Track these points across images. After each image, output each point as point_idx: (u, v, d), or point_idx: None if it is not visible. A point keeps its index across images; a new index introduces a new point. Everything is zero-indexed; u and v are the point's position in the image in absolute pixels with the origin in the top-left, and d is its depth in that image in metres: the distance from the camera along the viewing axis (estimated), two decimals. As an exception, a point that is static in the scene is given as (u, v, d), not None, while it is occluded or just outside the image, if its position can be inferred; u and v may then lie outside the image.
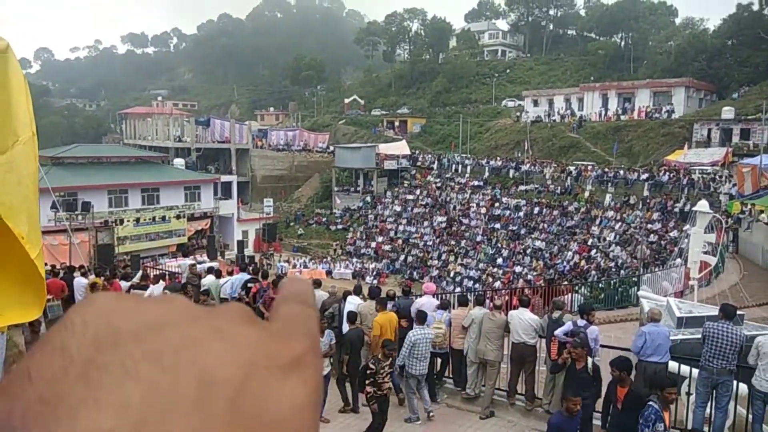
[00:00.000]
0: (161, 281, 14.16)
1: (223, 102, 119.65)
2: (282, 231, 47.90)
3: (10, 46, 2.25)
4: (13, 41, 2.43)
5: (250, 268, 14.49)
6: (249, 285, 12.27)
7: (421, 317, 8.86)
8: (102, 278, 14.34)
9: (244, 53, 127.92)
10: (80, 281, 13.59)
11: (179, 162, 44.45)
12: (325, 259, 41.03)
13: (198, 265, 18.54)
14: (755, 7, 49.63)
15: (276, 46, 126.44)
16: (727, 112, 40.03)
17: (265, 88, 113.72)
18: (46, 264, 9.99)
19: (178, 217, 38.34)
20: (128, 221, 35.36)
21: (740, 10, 50.81)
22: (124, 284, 13.80)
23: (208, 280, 13.38)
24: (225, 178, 44.95)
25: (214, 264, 19.13)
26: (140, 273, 17.04)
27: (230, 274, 13.56)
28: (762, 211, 24.49)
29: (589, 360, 7.03)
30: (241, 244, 41.58)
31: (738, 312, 9.27)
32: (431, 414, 8.61)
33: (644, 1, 73.03)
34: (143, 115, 60.64)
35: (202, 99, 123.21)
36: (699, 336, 7.70)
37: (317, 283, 11.63)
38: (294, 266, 39.18)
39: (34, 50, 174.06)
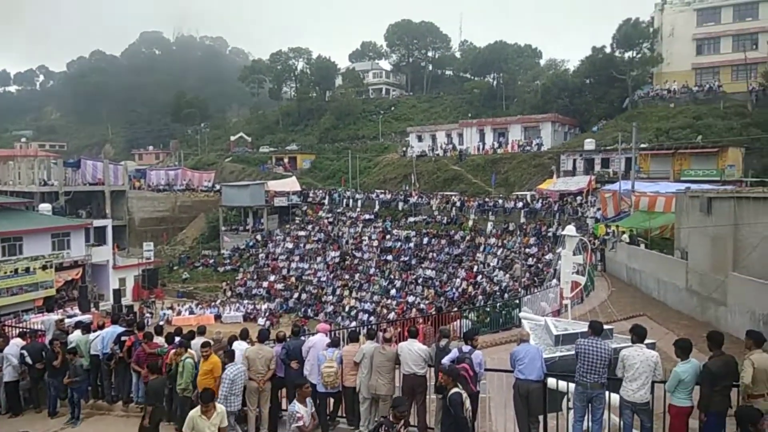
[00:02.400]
0: (19, 339, 12.62)
1: (96, 142, 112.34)
2: (165, 276, 45.29)
3: None
4: None
5: (125, 320, 13.36)
6: (123, 338, 11.30)
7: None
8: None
9: (120, 91, 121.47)
10: None
11: (45, 207, 40.78)
12: (213, 303, 39.19)
13: (67, 320, 16.85)
14: (608, 50, 55.74)
15: (154, 83, 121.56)
16: (589, 144, 44.16)
17: (142, 127, 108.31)
18: None
19: (44, 267, 34.89)
20: (-16, 275, 31.54)
21: (595, 52, 56.74)
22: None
23: (76, 336, 12.14)
24: (98, 222, 41.80)
25: (86, 317, 17.57)
26: (-5, 333, 15.08)
27: (101, 327, 12.40)
28: (624, 232, 27.05)
29: (454, 390, 7.14)
30: (118, 293, 38.66)
31: (607, 327, 10.00)
32: None
33: (512, 44, 79.47)
34: (4, 158, 55.31)
35: (72, 139, 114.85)
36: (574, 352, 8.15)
37: (200, 331, 10.95)
38: (179, 313, 37.00)
39: None
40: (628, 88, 52.13)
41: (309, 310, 38.09)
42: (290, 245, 45.98)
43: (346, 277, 40.22)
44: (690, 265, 18.53)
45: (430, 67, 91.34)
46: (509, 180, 46.55)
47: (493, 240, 36.82)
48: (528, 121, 53.96)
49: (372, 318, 34.13)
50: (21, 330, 16.92)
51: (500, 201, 40.23)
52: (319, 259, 43.11)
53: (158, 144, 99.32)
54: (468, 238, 38.33)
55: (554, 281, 20.32)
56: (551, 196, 37.84)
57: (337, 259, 42.26)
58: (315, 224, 47.87)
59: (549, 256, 31.02)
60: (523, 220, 37.29)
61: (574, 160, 44.23)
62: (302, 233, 47.05)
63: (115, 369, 11.52)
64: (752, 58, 46.52)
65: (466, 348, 8.16)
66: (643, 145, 39.08)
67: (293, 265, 43.53)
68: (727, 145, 37.59)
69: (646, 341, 7.61)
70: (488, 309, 20.75)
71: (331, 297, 38.87)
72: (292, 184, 54.39)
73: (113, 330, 11.71)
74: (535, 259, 32.30)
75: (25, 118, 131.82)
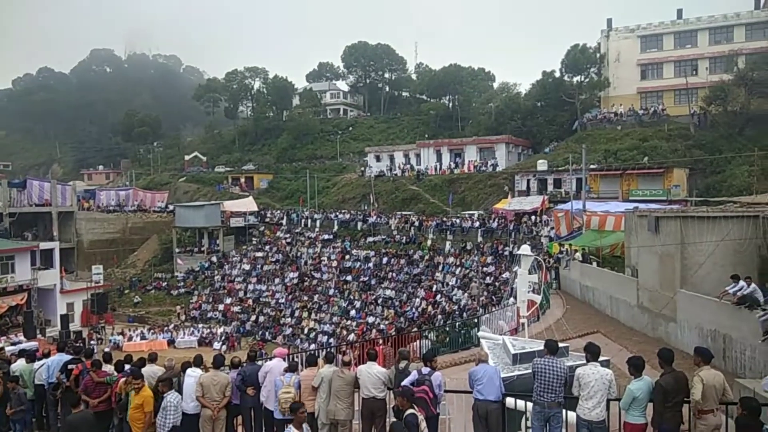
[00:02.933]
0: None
1: (44, 161, 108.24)
2: (115, 300, 43.78)
3: None
4: None
5: (71, 347, 12.75)
6: (70, 367, 10.77)
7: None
8: None
9: (68, 109, 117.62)
10: None
11: (-13, 229, 38.86)
12: (166, 328, 38.01)
13: (9, 347, 15.98)
14: (557, 74, 57.77)
15: (105, 101, 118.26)
16: (542, 165, 45.41)
17: (92, 146, 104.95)
18: None
19: (-16, 293, 33.12)
20: None
21: (545, 76, 58.70)
22: None
23: (19, 366, 11.52)
24: (45, 245, 40.17)
25: (31, 345, 16.69)
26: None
27: (46, 355, 11.82)
28: (576, 251, 27.77)
29: (410, 411, 7.08)
30: (66, 319, 37.10)
31: (563, 345, 10.18)
32: None
33: (466, 67, 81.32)
34: (-59, 178, 52.33)
35: (18, 159, 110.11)
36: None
37: (151, 358, 10.57)
38: (130, 338, 35.70)
39: None
40: (577, 111, 54.04)
41: (267, 333, 37.40)
42: (247, 266, 45.21)
43: (305, 298, 39.76)
44: (640, 282, 19.13)
45: (387, 89, 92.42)
46: (466, 199, 47.26)
47: (451, 259, 37.17)
48: (483, 143, 55.11)
49: (332, 340, 33.76)
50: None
51: (457, 220, 40.74)
52: (277, 280, 42.50)
53: (109, 164, 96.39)
54: (427, 257, 38.57)
55: (511, 300, 20.62)
56: (507, 216, 38.59)
57: (295, 281, 41.76)
58: (273, 245, 47.27)
59: (506, 275, 31.50)
60: (480, 239, 37.84)
61: (528, 181, 45.35)
62: (260, 254, 46.36)
63: (61, 399, 10.96)
64: (693, 83, 49.15)
65: (425, 370, 8.14)
66: (592, 166, 40.45)
67: (250, 286, 42.77)
68: (672, 166, 39.34)
69: (601, 359, 7.77)
70: (447, 329, 20.86)
71: (289, 319, 38.31)
72: (248, 204, 53.69)
73: (59, 358, 11.17)
74: (492, 278, 32.75)
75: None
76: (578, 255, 27.15)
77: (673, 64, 51.69)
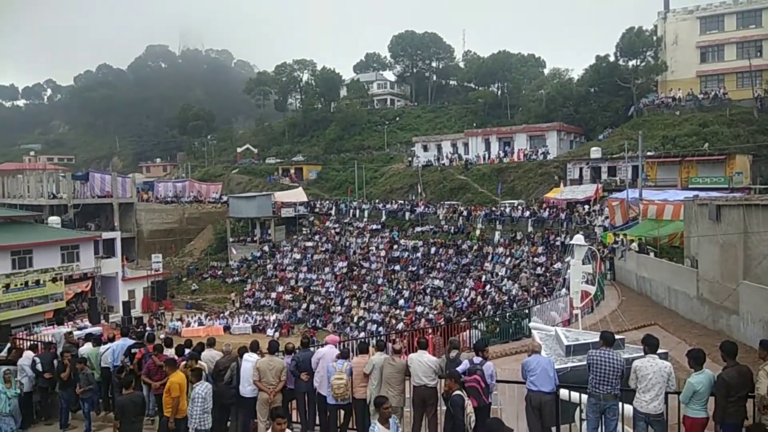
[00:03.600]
0: (30, 352, 12.69)
1: (104, 155, 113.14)
2: (174, 287, 45.42)
3: None
4: None
5: (135, 332, 13.39)
6: (133, 350, 11.33)
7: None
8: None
9: (127, 104, 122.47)
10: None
11: (54, 220, 41.08)
12: (222, 315, 39.22)
13: (77, 332, 16.89)
14: (611, 58, 55.81)
15: (161, 96, 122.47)
16: (595, 152, 44.10)
17: (150, 139, 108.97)
18: None
19: (54, 280, 35.11)
20: (-5, 288, 31.76)
21: (599, 61, 56.80)
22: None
23: (86, 349, 12.19)
24: (107, 234, 42.06)
25: (95, 329, 17.61)
26: (8, 345, 15.16)
27: (111, 340, 12.45)
28: (632, 241, 26.92)
29: (456, 392, 7.17)
30: (128, 305, 38.81)
31: (618, 337, 9.94)
32: None
33: (516, 53, 79.68)
34: (13, 172, 55.86)
35: (80, 152, 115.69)
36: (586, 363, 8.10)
37: (210, 343, 10.98)
38: (188, 324, 37.07)
39: None
40: (632, 96, 52.12)
41: (318, 321, 38.06)
42: (298, 256, 46.05)
43: (354, 287, 40.19)
44: (700, 273, 18.41)
45: (435, 78, 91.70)
46: (515, 189, 46.51)
47: (500, 249, 36.74)
48: (533, 130, 53.98)
49: (381, 329, 34.06)
50: (32, 342, 17.02)
51: (507, 210, 40.18)
52: (326, 269, 43.12)
53: (166, 156, 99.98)
54: (475, 247, 38.26)
55: (564, 291, 20.25)
56: (558, 205, 37.77)
57: (344, 270, 42.25)
58: (322, 235, 47.94)
59: (558, 265, 30.92)
60: (530, 229, 37.20)
61: (581, 169, 44.18)
62: (309, 244, 47.12)
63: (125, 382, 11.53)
64: (757, 65, 46.46)
65: (477, 359, 8.13)
66: (649, 153, 39.03)
67: (301, 275, 43.56)
68: (735, 152, 37.46)
69: (659, 351, 7.56)
70: (498, 319, 20.69)
71: (339, 308, 38.84)
72: (298, 194, 54.58)
73: (123, 342, 11.76)
74: (543, 269, 32.20)
75: (33, 132, 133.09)
76: (634, 245, 26.32)
77: (735, 46, 48.97)
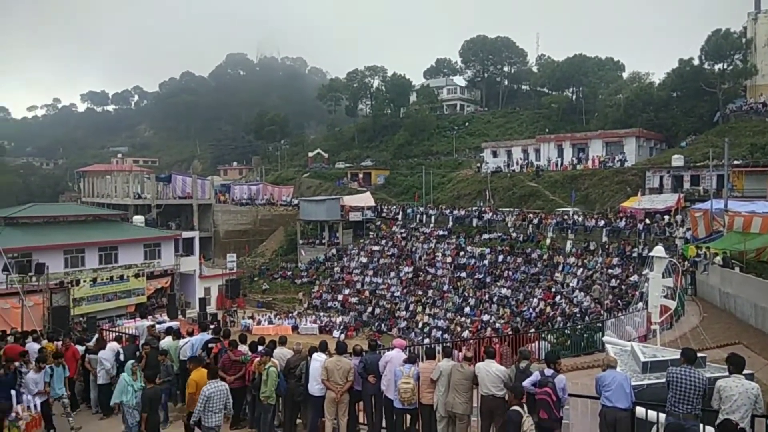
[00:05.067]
0: (115, 343, 13.56)
1: (185, 158, 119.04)
2: (246, 286, 47.00)
3: None
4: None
5: (211, 328, 14.01)
6: (210, 345, 11.86)
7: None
8: (55, 343, 13.65)
9: (207, 110, 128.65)
10: (32, 347, 12.92)
11: (139, 219, 43.58)
12: (290, 314, 40.23)
13: (157, 326, 17.86)
14: (695, 62, 53.02)
15: (239, 102, 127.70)
16: (677, 160, 41.92)
17: (227, 144, 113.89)
18: None
19: (137, 275, 37.22)
20: (85, 282, 34.08)
21: (682, 65, 54.10)
22: (80, 348, 13.16)
23: (167, 342, 12.88)
24: (186, 234, 44.14)
25: (174, 324, 18.51)
26: (96, 336, 16.28)
27: (190, 334, 13.09)
28: (716, 254, 25.35)
29: (514, 407, 7.03)
30: (203, 302, 40.52)
31: (700, 355, 9.41)
32: None
33: (593, 57, 77.12)
34: (102, 173, 59.67)
35: (164, 155, 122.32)
36: (664, 380, 7.74)
37: (281, 341, 11.33)
38: (259, 322, 38.28)
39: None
40: (718, 101, 49.25)
41: (383, 325, 38.29)
42: (364, 259, 46.56)
43: (420, 293, 40.14)
44: (793, 292, 17.09)
45: (506, 82, 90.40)
46: (589, 197, 44.97)
47: (572, 259, 35.60)
48: (610, 136, 52.02)
49: (446, 335, 33.81)
50: (117, 334, 18.17)
51: (580, 219, 38.89)
52: (392, 273, 43.34)
53: (242, 160, 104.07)
54: (545, 256, 37.26)
55: (640, 304, 19.36)
56: (636, 215, 36.15)
57: (410, 275, 42.31)
58: (389, 239, 48.24)
59: (634, 278, 29.62)
60: (605, 239, 35.82)
61: (661, 177, 42.12)
62: (376, 248, 47.53)
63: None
64: None
65: (548, 371, 7.93)
66: (736, 162, 36.70)
67: (367, 279, 44.00)
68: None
69: (745, 372, 7.11)
70: (568, 331, 20.05)
71: (404, 312, 38.91)
72: (366, 199, 55.22)
73: (201, 337, 12.33)
74: (618, 281, 30.91)
75: (120, 135, 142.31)
76: (718, 259, 24.76)
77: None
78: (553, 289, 33.81)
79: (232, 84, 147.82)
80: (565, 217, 39.96)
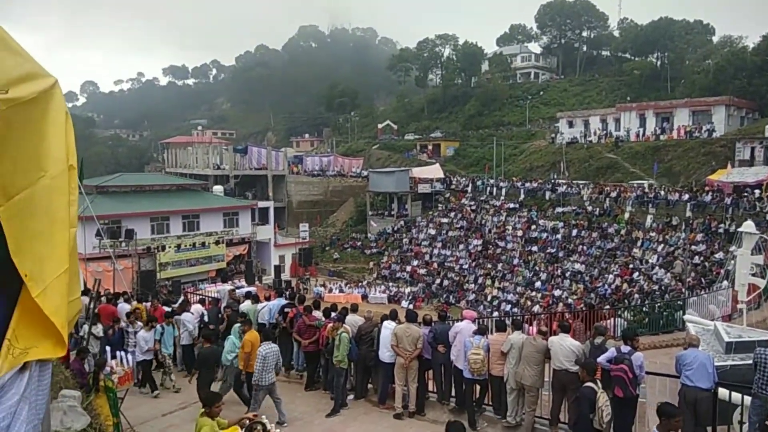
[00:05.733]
0: (199, 306, 14.44)
1: (260, 130, 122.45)
2: (318, 255, 48.28)
3: (57, 83, 2.31)
4: (61, 75, 2.50)
5: (287, 293, 14.60)
6: (286, 310, 12.39)
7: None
8: (144, 304, 14.70)
9: (280, 82, 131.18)
10: (123, 307, 13.98)
11: (218, 189, 45.48)
12: (360, 284, 41.07)
13: (237, 291, 18.83)
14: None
15: (311, 74, 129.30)
16: (772, 130, 38.79)
17: (300, 116, 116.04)
18: (93, 290, 10.18)
19: (217, 242, 39.05)
20: (170, 247, 36.17)
21: (781, 26, 49.73)
22: (167, 309, 14.11)
23: (246, 306, 13.57)
24: (262, 203, 45.72)
25: (252, 289, 19.41)
26: (182, 298, 17.39)
27: (267, 299, 13.72)
28: (814, 231, 23.47)
29: (588, 384, 6.91)
30: (278, 269, 42.05)
31: (792, 337, 8.87)
32: (285, 425, 9.30)
33: (679, 20, 71.98)
34: (184, 144, 62.52)
35: (240, 127, 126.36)
36: (750, 362, 7.39)
37: (353, 308, 11.66)
38: (330, 290, 39.37)
39: (80, 83, 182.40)
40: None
41: (451, 297, 38.36)
42: (433, 231, 46.57)
43: (489, 266, 39.79)
44: None
45: (585, 48, 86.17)
46: (673, 169, 42.57)
47: (653, 234, 34.02)
48: (697, 105, 48.70)
49: (515, 309, 33.46)
50: (200, 297, 19.29)
51: (662, 192, 36.95)
52: (461, 246, 43.14)
53: (313, 132, 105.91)
54: (623, 231, 35.81)
55: (725, 283, 18.34)
56: (724, 188, 33.92)
57: (479, 248, 41.97)
58: (458, 212, 47.90)
59: (719, 255, 27.98)
60: (689, 213, 33.91)
61: (753, 149, 39.11)
62: (445, 220, 47.36)
63: (278, 338, 12.67)
64: None
65: (625, 348, 7.74)
66: None
67: (435, 251, 44.06)
68: None
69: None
70: (646, 309, 19.35)
71: (472, 285, 38.77)
72: (435, 171, 54.88)
73: (278, 302, 12.90)
74: (702, 258, 29.32)
75: (201, 108, 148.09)
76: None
77: None
78: (630, 266, 32.53)
79: (304, 56, 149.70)
80: (646, 190, 38.08)
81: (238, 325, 11.06)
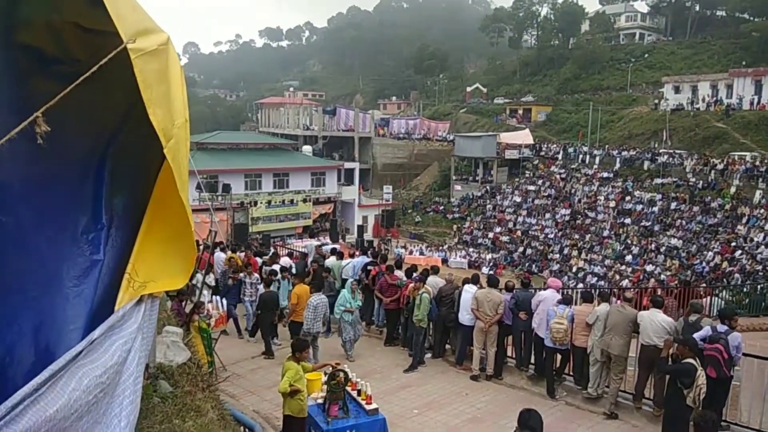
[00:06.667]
0: (287, 258, 15.15)
1: (349, 92, 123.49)
2: (400, 218, 48.72)
3: (170, 39, 2.44)
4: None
5: (370, 252, 14.96)
6: (369, 268, 12.71)
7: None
8: (238, 254, 15.60)
9: (370, 44, 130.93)
10: (220, 256, 14.91)
11: (307, 149, 46.76)
12: (441, 247, 41.13)
13: (323, 247, 19.50)
14: None
15: (401, 36, 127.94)
16: None
17: (388, 78, 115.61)
18: (209, 240, 10.93)
19: (304, 200, 40.48)
20: (261, 203, 37.99)
21: None
22: (259, 260, 14.90)
23: (331, 261, 14.06)
24: (348, 165, 46.61)
25: (337, 246, 20.00)
26: (272, 251, 18.27)
27: (352, 256, 14.14)
28: None
29: (689, 360, 6.65)
30: (361, 229, 42.95)
31: None
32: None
33: (815, -27, 63.96)
34: (276, 105, 64.33)
35: (330, 89, 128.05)
36: None
37: (434, 270, 11.77)
38: (410, 252, 39.76)
39: (183, 44, 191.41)
40: None
41: (534, 266, 37.58)
42: (518, 199, 45.48)
43: (576, 236, 38.45)
44: None
45: (697, 8, 78.86)
46: (792, 142, 38.68)
47: (761, 211, 31.36)
48: (828, 70, 43.59)
49: (602, 282, 32.29)
50: (289, 251, 20.18)
51: (776, 166, 33.80)
52: (547, 215, 41.89)
53: (401, 95, 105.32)
54: (728, 206, 33.25)
55: None
56: None
57: (567, 217, 40.57)
58: (546, 179, 46.35)
59: (840, 238, 25.40)
60: (806, 190, 30.90)
61: None
62: (532, 188, 46.04)
63: (363, 292, 13.06)
64: None
65: (721, 327, 7.32)
66: None
67: (520, 219, 43.10)
68: None
69: None
70: (747, 289, 18.06)
71: (557, 255, 37.73)
72: (524, 136, 53.14)
73: (362, 259, 13.28)
74: (818, 240, 26.77)
75: (293, 70, 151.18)
76: None
77: None
78: (733, 243, 30.29)
79: (395, 18, 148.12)
80: (757, 163, 34.94)
81: (351, 280, 11.74)
